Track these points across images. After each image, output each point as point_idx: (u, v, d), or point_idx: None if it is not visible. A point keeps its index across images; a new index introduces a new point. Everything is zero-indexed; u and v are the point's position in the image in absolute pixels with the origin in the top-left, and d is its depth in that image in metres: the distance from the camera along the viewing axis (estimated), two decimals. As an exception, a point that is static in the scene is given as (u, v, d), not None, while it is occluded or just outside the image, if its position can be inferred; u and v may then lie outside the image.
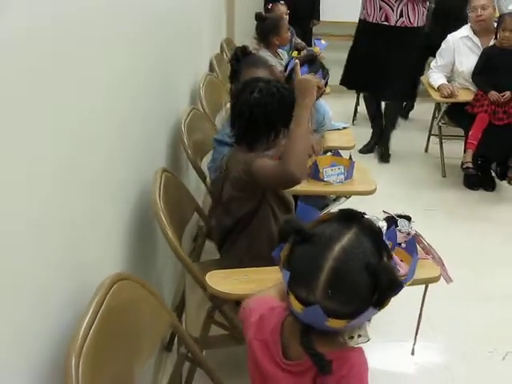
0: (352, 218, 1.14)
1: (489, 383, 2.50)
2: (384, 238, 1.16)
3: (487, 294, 3.10)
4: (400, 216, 1.95)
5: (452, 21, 4.92)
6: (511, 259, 3.52)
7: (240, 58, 2.59)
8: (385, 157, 4.96)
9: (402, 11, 4.52)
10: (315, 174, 2.59)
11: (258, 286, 1.74)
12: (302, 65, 2.65)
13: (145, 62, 2.04)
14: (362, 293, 1.07)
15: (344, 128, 3.35)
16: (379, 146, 5.05)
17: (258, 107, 1.99)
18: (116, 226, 1.77)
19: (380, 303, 1.07)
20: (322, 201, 2.75)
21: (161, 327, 1.57)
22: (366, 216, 1.15)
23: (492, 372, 2.56)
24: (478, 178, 4.41)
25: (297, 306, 1.10)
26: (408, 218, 1.94)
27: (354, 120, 5.80)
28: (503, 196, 4.44)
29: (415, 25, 4.60)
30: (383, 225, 1.80)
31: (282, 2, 5.20)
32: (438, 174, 4.73)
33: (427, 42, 4.86)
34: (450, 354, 2.64)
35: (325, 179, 2.58)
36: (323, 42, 3.86)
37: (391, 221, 1.92)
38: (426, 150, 5.19)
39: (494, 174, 4.51)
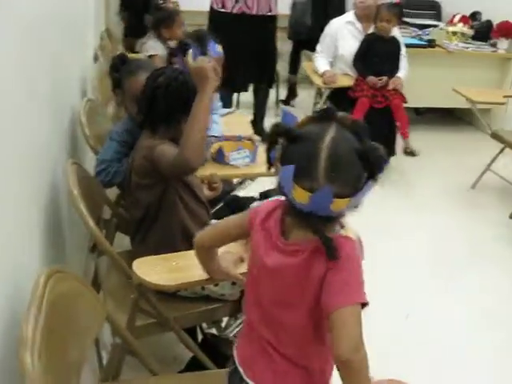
0: (328, 116, 1.24)
1: (394, 341, 2.69)
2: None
3: (388, 258, 3.36)
4: None
5: (331, 13, 5.12)
6: (404, 225, 3.89)
7: (119, 67, 2.51)
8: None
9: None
10: (221, 159, 2.62)
11: (187, 273, 1.76)
12: (188, 47, 2.65)
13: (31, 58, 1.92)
14: (357, 172, 1.19)
15: (228, 113, 3.33)
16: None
17: (160, 89, 2.00)
18: (27, 221, 1.72)
19: (373, 177, 1.20)
20: (227, 186, 2.78)
21: (98, 320, 1.54)
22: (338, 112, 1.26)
23: (397, 330, 2.80)
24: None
25: (302, 197, 1.18)
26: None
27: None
28: (384, 173, 4.68)
29: (274, 13, 4.69)
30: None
31: None
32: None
33: (308, 36, 5.02)
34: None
35: (231, 163, 2.62)
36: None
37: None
38: (309, 136, 5.33)
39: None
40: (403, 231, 3.82)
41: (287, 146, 1.23)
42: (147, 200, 2.04)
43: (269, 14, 4.62)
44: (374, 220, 3.68)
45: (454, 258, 3.54)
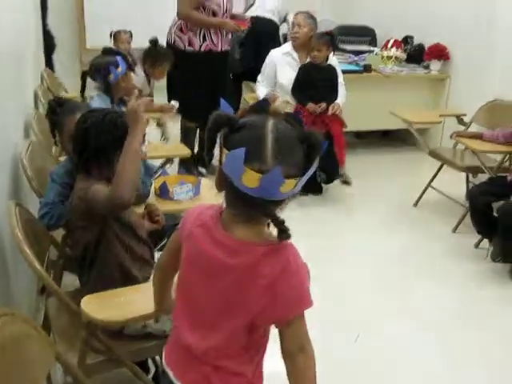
0: (263, 108, 1.33)
1: (345, 361, 2.74)
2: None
3: (337, 283, 3.44)
4: None
5: (265, 45, 5.29)
6: (352, 246, 4.02)
7: (56, 109, 2.52)
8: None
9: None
10: (165, 194, 2.66)
11: (136, 308, 1.79)
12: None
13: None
14: (300, 154, 1.27)
15: None
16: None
17: (90, 130, 2.03)
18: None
19: (314, 159, 1.28)
20: (172, 220, 2.81)
21: (48, 360, 1.55)
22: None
23: (347, 351, 2.86)
24: (306, 185, 4.67)
25: (252, 180, 1.23)
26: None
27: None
28: (328, 197, 4.85)
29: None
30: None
31: (126, 30, 5.26)
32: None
33: (242, 68, 5.16)
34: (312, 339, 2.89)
35: (175, 198, 2.66)
36: None
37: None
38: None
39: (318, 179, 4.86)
40: (351, 253, 3.93)
41: (229, 134, 1.29)
42: (85, 240, 2.06)
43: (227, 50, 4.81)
44: (320, 246, 3.79)
45: (402, 276, 3.64)
